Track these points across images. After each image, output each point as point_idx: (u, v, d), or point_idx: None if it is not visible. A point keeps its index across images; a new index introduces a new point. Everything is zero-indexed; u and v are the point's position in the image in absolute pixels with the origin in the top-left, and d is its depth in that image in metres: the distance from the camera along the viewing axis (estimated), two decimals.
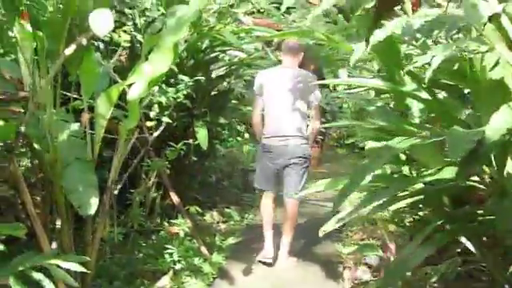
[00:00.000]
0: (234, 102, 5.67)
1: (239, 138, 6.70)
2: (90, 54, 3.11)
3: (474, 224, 2.84)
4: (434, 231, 2.68)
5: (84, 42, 2.82)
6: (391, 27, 2.45)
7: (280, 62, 4.62)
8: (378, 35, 2.35)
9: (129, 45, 4.11)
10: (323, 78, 5.22)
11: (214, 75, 5.22)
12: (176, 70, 4.23)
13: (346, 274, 4.17)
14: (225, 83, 5.61)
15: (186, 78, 4.23)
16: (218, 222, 5.56)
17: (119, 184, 3.63)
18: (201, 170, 5.97)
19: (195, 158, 5.19)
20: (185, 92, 4.15)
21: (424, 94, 2.83)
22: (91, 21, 2.49)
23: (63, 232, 3.01)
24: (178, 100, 4.14)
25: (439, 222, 2.72)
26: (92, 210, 2.82)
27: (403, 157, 3.11)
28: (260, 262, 4.37)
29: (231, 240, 5.02)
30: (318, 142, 7.84)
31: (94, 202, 2.84)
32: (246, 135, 6.68)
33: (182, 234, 4.37)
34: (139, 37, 4.22)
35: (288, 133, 4.26)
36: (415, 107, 3.13)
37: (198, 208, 5.07)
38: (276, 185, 4.44)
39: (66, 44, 2.80)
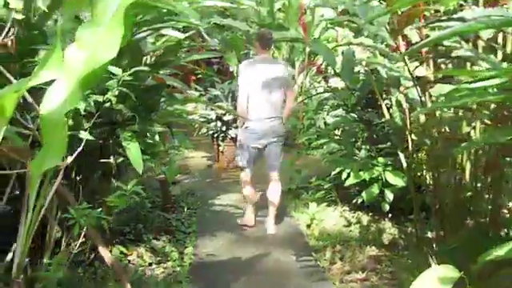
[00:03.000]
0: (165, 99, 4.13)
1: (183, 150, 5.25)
2: None
3: None
4: None
5: None
6: None
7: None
8: None
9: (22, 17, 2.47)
10: None
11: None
12: None
13: None
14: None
15: (118, 71, 2.73)
16: (150, 264, 4.08)
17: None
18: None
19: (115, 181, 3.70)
20: (116, 93, 2.66)
21: None
22: None
23: None
24: (106, 105, 2.65)
25: None
26: None
27: None
28: (241, 225, 5.24)
29: None
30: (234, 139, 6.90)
31: None
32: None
33: None
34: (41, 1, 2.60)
35: (269, 115, 4.91)
36: None
37: (121, 247, 3.69)
38: (254, 162, 5.12)
39: None
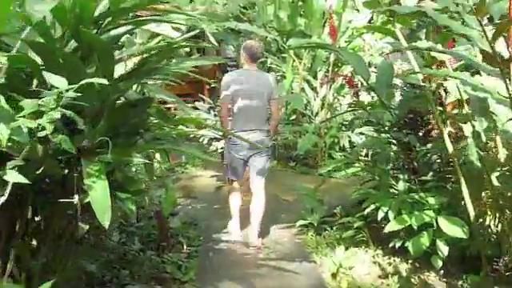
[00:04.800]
0: (153, 119, 3.15)
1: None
2: None
3: None
4: None
5: None
6: None
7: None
8: None
9: None
10: None
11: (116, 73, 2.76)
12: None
13: None
14: (136, 87, 3.16)
15: (62, 83, 1.80)
16: None
17: None
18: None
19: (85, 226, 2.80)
20: (57, 115, 1.73)
21: None
22: None
23: None
24: (41, 134, 1.72)
25: None
26: None
27: None
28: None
29: None
30: None
31: None
32: None
33: None
34: None
35: (253, 127, 4.85)
36: None
37: None
38: (243, 173, 5.07)
39: None
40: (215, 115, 7.11)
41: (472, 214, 2.96)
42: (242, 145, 4.82)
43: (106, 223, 2.24)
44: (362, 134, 7.52)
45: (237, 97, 4.83)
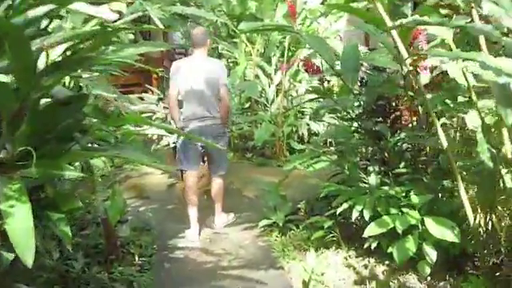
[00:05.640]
0: (92, 119, 2.61)
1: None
2: None
3: None
4: None
5: None
6: None
7: None
8: None
9: None
10: None
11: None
12: None
13: None
14: (69, 81, 2.60)
15: None
16: None
17: None
18: None
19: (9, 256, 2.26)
20: None
21: None
22: None
23: None
24: None
25: None
26: None
27: None
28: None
29: None
30: None
31: None
32: None
33: None
34: None
35: (203, 115, 4.78)
36: None
37: None
38: (198, 163, 5.05)
39: None
40: (165, 107, 6.56)
41: (471, 219, 2.60)
42: (194, 133, 4.69)
43: (29, 261, 1.73)
44: (321, 121, 7.15)
45: (185, 85, 4.77)
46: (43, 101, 2.29)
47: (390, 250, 3.32)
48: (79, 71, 2.79)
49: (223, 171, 5.00)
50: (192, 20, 8.55)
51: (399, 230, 3.17)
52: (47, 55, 2.09)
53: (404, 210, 3.58)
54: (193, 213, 4.87)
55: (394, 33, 2.78)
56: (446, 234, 3.04)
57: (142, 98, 7.48)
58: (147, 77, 9.99)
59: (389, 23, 2.66)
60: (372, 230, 3.33)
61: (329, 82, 5.78)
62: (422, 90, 3.19)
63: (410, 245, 3.17)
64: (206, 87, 4.76)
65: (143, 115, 6.53)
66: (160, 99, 6.99)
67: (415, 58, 3.30)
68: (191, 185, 4.92)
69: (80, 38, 2.11)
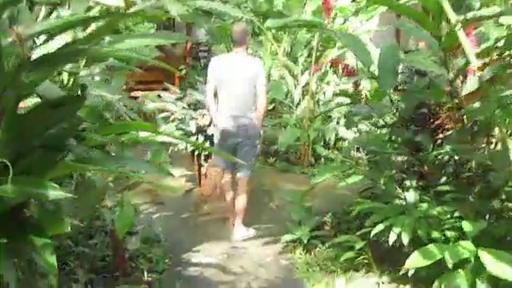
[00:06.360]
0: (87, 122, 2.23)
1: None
2: None
3: None
4: None
5: None
6: None
7: None
8: None
9: None
10: None
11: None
12: None
13: None
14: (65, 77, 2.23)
15: None
16: None
17: None
18: None
19: None
20: None
21: None
22: None
23: None
24: None
25: None
26: None
27: None
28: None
29: None
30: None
31: None
32: None
33: None
34: None
35: (238, 113, 4.70)
36: None
37: None
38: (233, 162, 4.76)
39: None
40: (183, 108, 6.19)
41: None
42: (229, 131, 4.71)
43: None
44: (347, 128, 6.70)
45: (221, 82, 4.73)
46: (29, 101, 1.92)
47: (436, 284, 2.85)
48: (80, 66, 2.41)
49: (245, 173, 4.79)
50: (216, 16, 8.20)
51: (449, 264, 2.72)
52: (22, 48, 1.69)
53: (447, 233, 3.14)
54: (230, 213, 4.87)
55: (460, 30, 2.35)
56: (507, 271, 2.57)
57: (160, 96, 7.13)
58: (169, 75, 9.66)
59: (453, 18, 2.23)
60: (416, 261, 2.85)
61: (358, 85, 5.35)
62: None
63: (462, 281, 2.70)
64: (243, 86, 4.68)
65: (161, 115, 6.18)
66: (179, 99, 6.60)
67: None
68: (227, 184, 4.89)
69: (71, 26, 1.72)
